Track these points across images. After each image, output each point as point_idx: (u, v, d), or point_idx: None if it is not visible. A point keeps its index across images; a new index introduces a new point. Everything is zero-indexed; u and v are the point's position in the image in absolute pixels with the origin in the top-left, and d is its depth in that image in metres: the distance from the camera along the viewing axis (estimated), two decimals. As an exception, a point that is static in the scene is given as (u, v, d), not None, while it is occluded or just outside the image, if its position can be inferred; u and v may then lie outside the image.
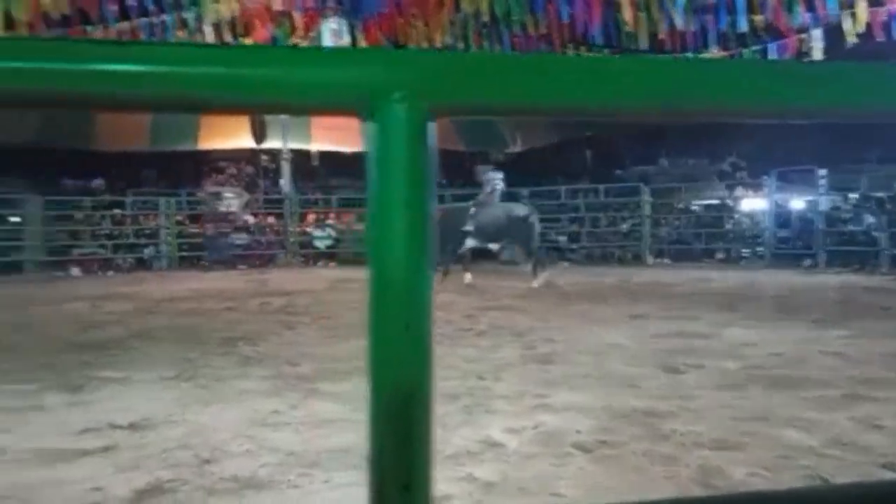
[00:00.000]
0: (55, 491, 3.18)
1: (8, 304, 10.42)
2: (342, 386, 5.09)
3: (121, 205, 18.58)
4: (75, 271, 16.17)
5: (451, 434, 3.93)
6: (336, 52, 0.65)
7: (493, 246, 12.00)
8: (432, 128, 0.65)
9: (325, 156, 20.32)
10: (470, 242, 11.86)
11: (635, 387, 5.02)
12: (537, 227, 11.77)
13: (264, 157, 21.28)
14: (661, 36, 11.46)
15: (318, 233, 18.78)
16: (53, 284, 13.99)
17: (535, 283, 11.43)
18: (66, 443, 3.84)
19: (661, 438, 3.86)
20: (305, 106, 0.63)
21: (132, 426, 4.13)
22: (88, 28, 9.72)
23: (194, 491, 3.13)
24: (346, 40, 12.91)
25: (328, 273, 15.67)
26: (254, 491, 3.12)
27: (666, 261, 17.28)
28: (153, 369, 5.69)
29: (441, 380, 5.19)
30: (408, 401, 0.65)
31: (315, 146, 19.57)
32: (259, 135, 18.14)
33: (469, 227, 11.71)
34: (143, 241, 17.96)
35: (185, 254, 18.01)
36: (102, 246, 17.25)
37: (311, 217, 19.30)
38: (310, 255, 18.42)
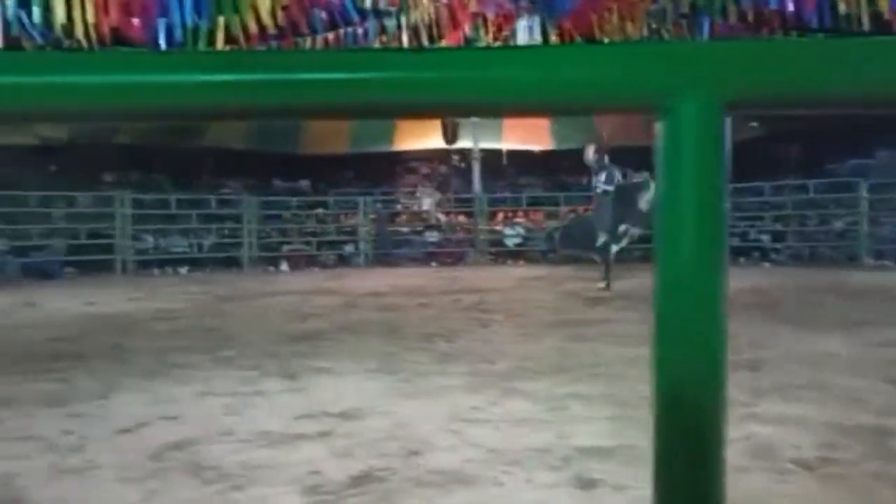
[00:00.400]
0: (278, 472, 3.42)
1: (230, 296, 11.40)
2: (538, 385, 5.08)
3: (324, 204, 19.79)
4: (284, 267, 17.41)
5: (654, 440, 3.80)
6: (626, 47, 0.62)
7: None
8: (727, 123, 0.60)
9: (515, 155, 20.45)
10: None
11: (859, 401, 4.59)
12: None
13: (455, 157, 21.77)
14: (887, 16, 10.43)
15: (507, 231, 18.95)
16: (266, 279, 15.16)
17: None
18: (286, 427, 4.12)
19: (895, 459, 3.50)
20: (596, 104, 0.61)
21: (343, 414, 4.36)
22: (298, 39, 10.45)
23: (404, 482, 3.25)
24: (537, 38, 12.90)
25: (517, 271, 15.76)
26: (460, 485, 3.18)
27: (887, 262, 15.71)
28: (359, 361, 5.98)
29: (642, 383, 5.04)
30: (696, 412, 0.61)
31: (505, 145, 19.75)
32: (450, 135, 18.57)
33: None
34: (343, 238, 19.01)
35: (381, 251, 18.84)
36: (308, 243, 18.45)
37: (500, 215, 19.51)
38: (499, 253, 18.63)
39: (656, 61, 0.60)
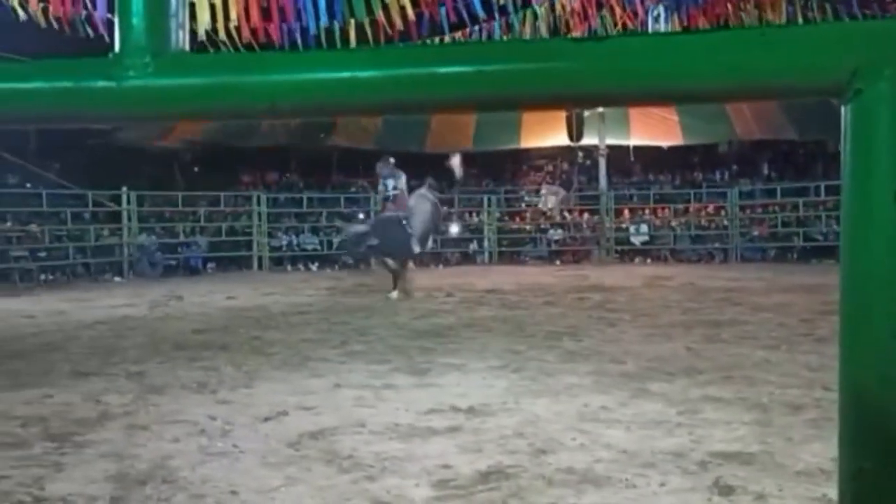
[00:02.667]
0: (410, 464, 3.49)
1: (359, 292, 11.74)
2: (669, 386, 4.94)
3: (448, 202, 20.00)
4: (410, 263, 17.70)
5: (797, 448, 3.61)
6: (811, 27, 0.59)
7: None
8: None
9: (642, 150, 19.93)
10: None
11: None
12: None
13: (580, 154, 21.47)
14: None
15: (634, 229, 18.51)
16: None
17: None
18: (416, 420, 4.20)
19: None
20: (779, 89, 0.59)
21: (471, 410, 4.39)
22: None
23: (534, 479, 3.24)
24: (664, 28, 12.52)
25: (644, 270, 15.38)
26: (591, 486, 3.14)
27: None
28: (484, 358, 6.01)
29: (780, 388, 4.81)
30: (885, 414, 0.57)
31: (633, 141, 19.28)
32: (576, 132, 18.32)
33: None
34: (467, 235, 19.14)
35: (504, 249, 18.85)
36: (433, 241, 18.71)
37: (626, 213, 19.08)
38: (625, 252, 18.23)
39: (845, 40, 0.57)
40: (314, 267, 17.09)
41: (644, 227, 18.41)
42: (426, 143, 20.17)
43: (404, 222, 10.17)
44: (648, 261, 17.61)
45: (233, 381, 5.24)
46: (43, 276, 14.24)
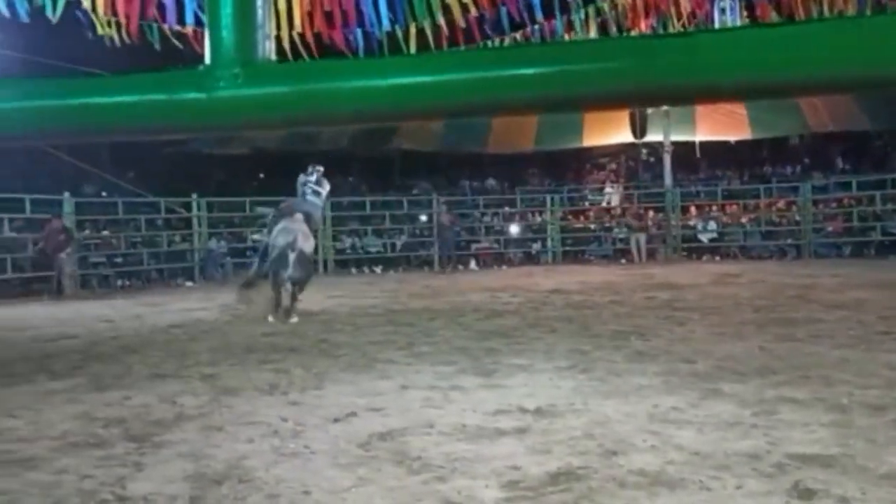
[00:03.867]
0: (479, 465, 3.48)
1: (423, 294, 11.79)
2: (743, 387, 4.82)
3: (511, 203, 19.96)
4: (473, 265, 17.74)
5: (880, 451, 3.48)
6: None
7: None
8: None
9: (709, 146, 19.51)
10: None
11: None
12: None
13: (644, 151, 21.15)
14: None
15: (701, 226, 18.12)
16: (455, 277, 15.52)
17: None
18: (484, 422, 4.20)
19: None
20: (880, 79, 0.56)
21: (539, 411, 4.37)
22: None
23: (605, 481, 3.20)
24: (731, 21, 12.23)
25: (713, 267, 15.03)
26: (665, 488, 3.08)
27: None
28: (550, 359, 5.97)
29: (859, 388, 4.64)
30: None
31: (699, 137, 18.88)
32: (640, 129, 18.05)
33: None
34: (530, 236, 19.06)
35: (568, 248, 18.69)
36: (496, 241, 18.69)
37: (693, 210, 18.69)
38: (692, 249, 17.86)
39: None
40: (378, 269, 17.25)
41: (712, 224, 18.00)
42: (488, 143, 20.15)
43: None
44: (717, 258, 17.22)
45: (302, 383, 5.33)
46: (119, 282, 14.75)
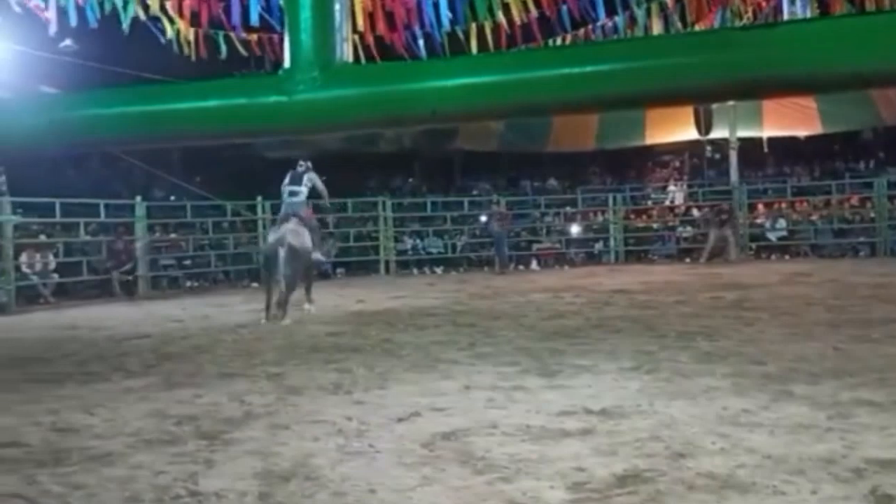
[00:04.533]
0: (544, 466, 3.46)
1: (484, 294, 11.79)
2: (816, 389, 4.68)
3: (572, 202, 19.79)
4: (534, 265, 17.65)
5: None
6: None
7: None
8: None
9: (777, 142, 18.98)
10: None
11: None
12: None
13: (709, 148, 20.71)
14: None
15: (769, 224, 17.64)
16: (517, 277, 15.48)
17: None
18: (548, 422, 4.17)
19: None
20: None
21: (604, 412, 4.32)
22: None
23: (673, 484, 3.14)
24: (801, 12, 11.85)
25: (782, 266, 14.63)
26: (735, 492, 3.01)
27: None
28: (615, 359, 5.90)
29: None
30: None
31: (766, 132, 18.37)
32: (704, 125, 17.68)
33: None
34: (592, 235, 18.86)
35: (631, 247, 18.43)
36: (558, 241, 18.55)
37: (760, 207, 18.21)
38: (761, 248, 17.39)
39: None
40: (439, 270, 17.31)
41: (781, 222, 17.49)
42: (549, 143, 20.03)
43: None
44: (786, 257, 16.74)
45: (366, 383, 5.38)
46: (188, 283, 15.16)
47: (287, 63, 0.65)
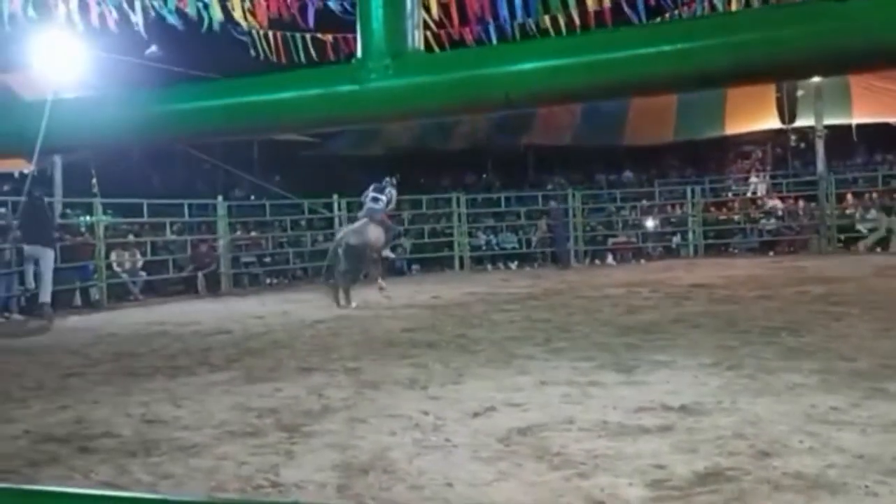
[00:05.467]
0: (622, 463, 3.41)
1: (559, 290, 11.68)
2: (912, 387, 4.46)
3: (648, 195, 19.41)
4: (610, 260, 17.39)
5: None
6: None
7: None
8: None
9: (867, 129, 18.13)
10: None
11: None
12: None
13: (793, 137, 19.98)
14: None
15: (860, 215, 16.89)
16: (592, 272, 15.28)
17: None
18: (626, 419, 4.10)
19: None
20: None
21: (684, 409, 4.22)
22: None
23: (758, 483, 3.04)
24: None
25: (874, 259, 13.98)
26: (825, 492, 2.90)
27: None
28: (694, 355, 5.76)
29: None
30: None
31: (856, 119, 17.58)
32: (788, 114, 17.06)
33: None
34: (669, 229, 18.45)
35: (711, 241, 17.95)
36: (635, 235, 18.22)
37: (849, 198, 17.45)
38: (849, 240, 16.67)
39: None
40: (513, 265, 17.24)
41: (872, 213, 16.71)
42: (624, 135, 19.70)
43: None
44: (878, 249, 15.99)
45: (442, 378, 5.41)
46: (268, 280, 15.53)
47: (359, 52, 0.65)
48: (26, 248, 10.78)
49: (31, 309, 11.30)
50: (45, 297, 10.65)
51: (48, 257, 10.77)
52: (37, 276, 10.76)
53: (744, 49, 0.54)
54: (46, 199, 11.79)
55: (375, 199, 11.01)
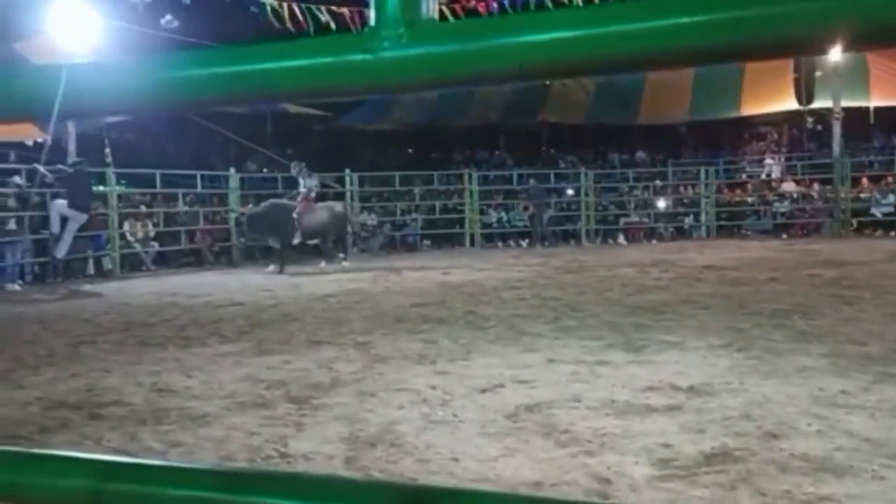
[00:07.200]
0: (628, 441, 3.42)
1: (570, 268, 11.68)
2: (924, 372, 4.44)
3: (662, 176, 19.29)
4: (621, 239, 17.34)
5: None
6: None
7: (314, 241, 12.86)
8: None
9: (885, 112, 17.90)
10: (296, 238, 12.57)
11: None
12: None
13: (809, 119, 19.76)
14: None
15: (875, 199, 16.73)
16: (603, 251, 15.24)
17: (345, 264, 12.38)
18: (633, 398, 4.11)
19: None
20: None
21: (692, 390, 4.22)
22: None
23: (764, 464, 3.05)
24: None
25: (887, 244, 13.87)
26: (831, 475, 2.90)
27: None
28: (704, 336, 5.74)
29: None
30: None
31: (873, 102, 17.35)
32: (805, 95, 16.86)
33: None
34: (682, 210, 18.36)
35: (723, 222, 17.86)
36: (647, 215, 18.14)
37: (865, 182, 17.29)
38: (863, 224, 16.54)
39: None
40: (524, 243, 17.22)
41: (891, 197, 16.53)
42: (638, 114, 19.54)
43: (294, 214, 12.42)
44: (892, 234, 15.86)
45: (450, 353, 5.43)
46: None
47: (372, 21, 0.64)
48: (67, 210, 11.13)
49: (43, 277, 11.43)
50: (62, 252, 11.23)
51: (80, 220, 11.28)
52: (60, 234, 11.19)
53: (768, 21, 0.53)
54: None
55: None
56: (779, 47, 0.56)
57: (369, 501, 0.74)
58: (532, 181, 17.79)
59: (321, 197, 14.05)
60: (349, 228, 13.79)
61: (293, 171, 13.31)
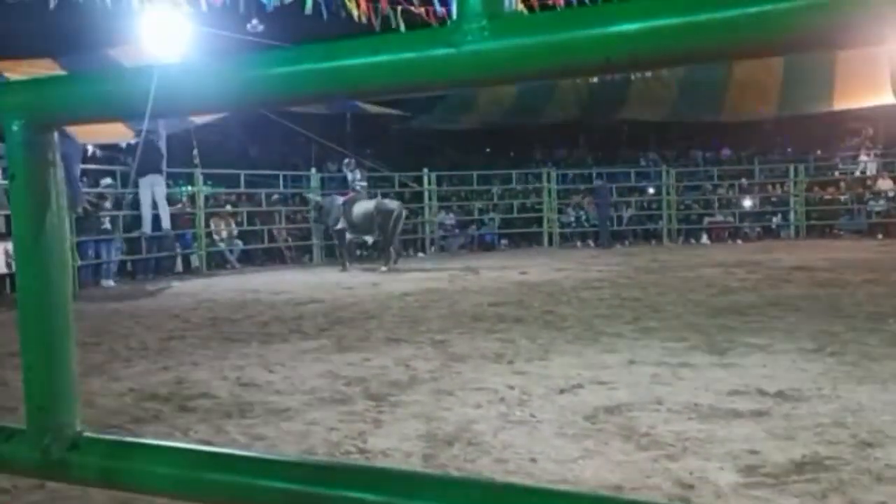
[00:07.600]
0: (713, 446, 3.32)
1: (651, 268, 11.45)
2: None
3: (748, 174, 18.70)
4: (704, 239, 16.90)
5: None
6: None
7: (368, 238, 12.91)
8: None
9: None
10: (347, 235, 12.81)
11: None
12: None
13: (908, 114, 18.75)
14: None
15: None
16: (686, 251, 14.89)
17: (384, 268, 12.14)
18: (718, 402, 3.99)
19: None
20: None
21: (780, 395, 4.07)
22: None
23: (858, 474, 2.91)
24: None
25: None
26: (932, 488, 2.75)
27: None
28: (793, 340, 5.54)
29: None
30: None
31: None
32: (905, 88, 16.01)
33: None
34: (769, 209, 17.75)
35: (814, 222, 17.18)
36: (732, 215, 17.63)
37: (969, 178, 16.35)
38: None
39: None
40: (591, 244, 16.98)
41: None
42: (723, 110, 18.96)
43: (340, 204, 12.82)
44: None
45: (528, 353, 5.39)
46: (358, 252, 15.82)
47: (455, 14, 0.64)
48: (141, 179, 11.41)
49: (133, 274, 11.91)
50: (166, 222, 11.70)
51: (161, 184, 11.70)
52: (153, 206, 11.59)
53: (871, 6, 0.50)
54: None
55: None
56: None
57: (456, 498, 0.74)
58: (598, 181, 17.55)
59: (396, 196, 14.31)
60: (396, 227, 12.76)
61: (344, 168, 13.63)
